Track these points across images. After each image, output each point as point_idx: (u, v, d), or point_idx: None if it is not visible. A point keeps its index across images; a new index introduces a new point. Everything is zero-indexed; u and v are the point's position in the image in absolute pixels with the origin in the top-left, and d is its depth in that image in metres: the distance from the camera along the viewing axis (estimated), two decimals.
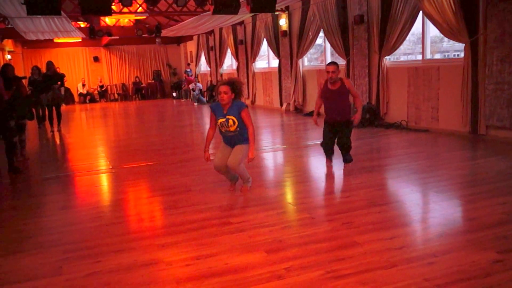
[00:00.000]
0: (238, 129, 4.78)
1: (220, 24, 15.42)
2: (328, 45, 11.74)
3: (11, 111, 6.74)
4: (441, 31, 7.98)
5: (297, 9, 12.33)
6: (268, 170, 6.49)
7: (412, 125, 8.98)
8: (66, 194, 5.75)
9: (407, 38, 9.12)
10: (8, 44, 18.39)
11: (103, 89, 23.05)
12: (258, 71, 15.89)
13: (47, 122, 11.86)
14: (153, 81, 23.81)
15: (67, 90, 21.54)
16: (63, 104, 19.29)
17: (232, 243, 3.59)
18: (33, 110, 9.55)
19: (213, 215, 4.34)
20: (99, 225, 4.27)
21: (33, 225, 4.38)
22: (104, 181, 6.39)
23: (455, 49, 9.17)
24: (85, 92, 22.59)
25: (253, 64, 15.83)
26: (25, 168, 7.10)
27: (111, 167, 7.04)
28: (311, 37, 11.85)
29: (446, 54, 9.90)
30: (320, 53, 13.64)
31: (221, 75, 19.17)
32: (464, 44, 7.55)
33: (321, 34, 11.58)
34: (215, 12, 9.55)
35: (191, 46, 22.72)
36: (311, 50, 12.85)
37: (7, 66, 7.69)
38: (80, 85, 22.52)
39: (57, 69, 19.24)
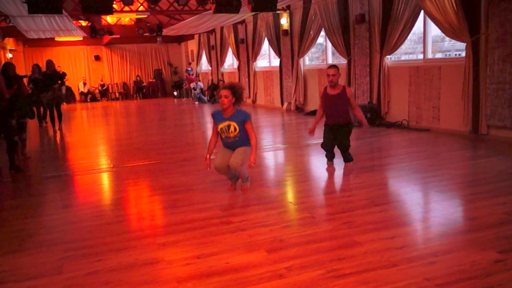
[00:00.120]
0: (238, 136, 4.82)
1: (221, 23, 15.41)
2: (329, 44, 11.73)
3: (12, 110, 6.75)
4: (442, 31, 7.97)
5: (298, 8, 12.32)
6: (269, 169, 6.49)
7: (413, 124, 8.98)
8: (67, 193, 5.76)
9: (409, 37, 9.12)
10: (10, 42, 18.40)
11: (104, 88, 23.07)
12: (259, 70, 15.89)
13: (48, 122, 11.86)
14: (154, 80, 23.82)
15: (68, 89, 21.61)
16: (64, 103, 19.38)
17: (233, 242, 3.59)
18: (34, 108, 9.55)
19: (213, 214, 4.34)
20: (99, 224, 4.27)
21: (33, 224, 4.39)
22: (105, 180, 6.40)
23: (456, 48, 9.16)
24: (86, 91, 22.60)
25: (254, 63, 15.82)
26: (26, 167, 7.11)
27: (111, 166, 7.04)
28: (312, 36, 11.85)
29: (448, 53, 9.90)
30: (321, 52, 13.64)
31: (222, 74, 19.18)
32: (465, 44, 7.54)
33: (322, 33, 11.57)
34: (216, 11, 9.55)
35: (192, 45, 22.72)
36: (312, 49, 12.85)
37: (9, 64, 7.70)
38: (81, 84, 22.53)
39: (59, 68, 19.33)
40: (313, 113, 11.55)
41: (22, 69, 18.54)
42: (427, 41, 8.77)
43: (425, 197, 4.82)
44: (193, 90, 19.68)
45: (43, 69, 11.91)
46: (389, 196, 4.90)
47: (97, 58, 23.14)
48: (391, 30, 9.02)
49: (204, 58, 21.46)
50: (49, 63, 11.48)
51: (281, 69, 13.85)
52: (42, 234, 4.09)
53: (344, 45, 10.48)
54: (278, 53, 13.75)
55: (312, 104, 12.34)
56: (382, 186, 5.21)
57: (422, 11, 8.33)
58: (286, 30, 13.08)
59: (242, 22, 15.59)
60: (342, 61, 11.03)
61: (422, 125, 8.76)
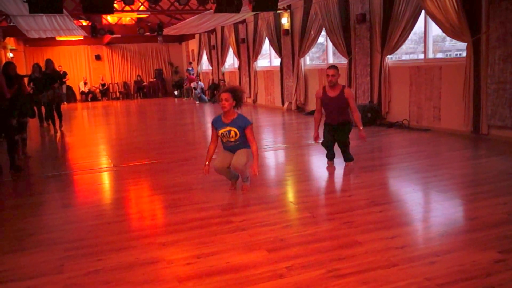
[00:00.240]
0: (239, 140, 4.85)
1: (222, 22, 15.41)
2: (330, 44, 11.73)
3: (13, 109, 6.75)
4: (443, 30, 7.97)
5: (299, 7, 12.32)
6: (269, 169, 6.49)
7: (414, 124, 8.97)
8: (67, 192, 5.76)
9: (409, 37, 9.11)
10: (10, 42, 18.41)
11: (105, 88, 23.07)
12: (259, 70, 15.88)
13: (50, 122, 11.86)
14: (154, 79, 23.83)
15: (69, 88, 21.63)
16: (65, 103, 19.40)
17: (233, 242, 3.59)
18: (35, 108, 9.55)
19: (214, 213, 4.34)
20: (100, 223, 4.27)
21: (34, 223, 4.39)
22: (105, 179, 6.40)
23: (457, 48, 9.15)
24: (87, 90, 22.61)
25: (255, 62, 15.82)
26: (26, 166, 7.11)
27: (112, 165, 7.04)
28: (313, 36, 11.84)
29: (448, 53, 9.89)
30: (322, 52, 13.63)
31: (223, 74, 19.18)
32: (466, 44, 7.53)
33: (323, 33, 11.57)
34: (217, 10, 9.55)
35: (193, 44, 22.72)
36: (313, 49, 12.84)
37: (9, 64, 7.70)
38: (82, 84, 22.54)
39: (59, 68, 19.34)
40: (313, 112, 11.53)
41: (23, 69, 18.55)
42: (428, 41, 8.77)
43: (426, 197, 4.82)
44: (193, 90, 19.68)
45: (44, 68, 11.91)
46: (390, 196, 4.90)
47: (98, 57, 23.15)
48: (392, 30, 9.01)
49: (204, 58, 21.46)
50: (48, 62, 11.47)
51: (281, 69, 13.84)
52: (42, 233, 4.09)
53: (344, 44, 10.48)
54: (279, 52, 13.75)
55: (313, 104, 12.30)
56: (383, 186, 5.21)
57: (423, 11, 8.32)
58: (287, 30, 13.08)
59: (243, 21, 15.59)
60: (342, 60, 11.02)
61: (423, 125, 8.76)
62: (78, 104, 21.42)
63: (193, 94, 19.76)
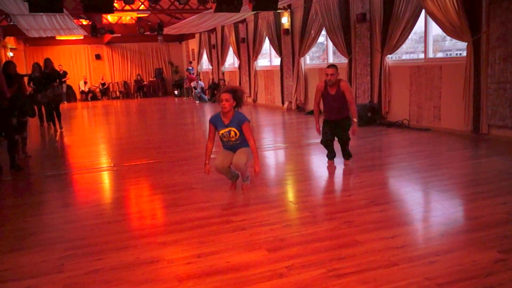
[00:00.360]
0: (239, 139, 4.86)
1: (222, 22, 15.40)
2: (330, 44, 11.72)
3: (13, 109, 6.75)
4: (443, 30, 7.96)
5: (299, 7, 12.31)
6: (269, 168, 6.48)
7: (414, 124, 8.97)
8: (68, 191, 5.76)
9: (410, 36, 9.10)
10: (10, 41, 18.40)
11: (105, 87, 23.07)
12: (260, 69, 15.88)
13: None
14: (155, 79, 23.82)
15: (69, 87, 21.63)
16: (65, 102, 19.40)
17: (234, 242, 3.59)
18: (35, 107, 9.56)
19: (214, 213, 4.35)
20: (100, 222, 4.27)
21: (34, 223, 4.39)
22: (106, 178, 6.40)
23: (458, 48, 9.14)
24: (87, 89, 22.61)
25: (255, 62, 15.81)
26: (26, 165, 7.11)
27: (112, 164, 7.04)
28: (313, 35, 11.83)
29: (449, 53, 9.88)
30: (322, 52, 13.63)
31: (223, 73, 19.18)
32: (466, 43, 7.53)
33: (323, 32, 11.56)
34: (217, 10, 9.54)
35: (193, 44, 22.71)
36: (313, 49, 12.83)
37: (9, 63, 7.71)
38: (82, 83, 22.53)
39: (60, 67, 19.34)
40: (313, 112, 11.52)
41: (23, 68, 18.55)
42: (428, 40, 8.76)
43: (426, 197, 4.82)
44: (193, 89, 19.67)
45: (43, 68, 11.90)
46: (390, 195, 4.90)
47: (98, 57, 23.14)
48: (392, 30, 9.01)
49: (205, 57, 21.46)
50: (47, 61, 11.44)
51: (282, 68, 13.84)
52: (42, 232, 4.09)
53: (345, 44, 10.47)
54: (279, 52, 13.74)
55: (313, 104, 12.31)
56: (383, 186, 5.21)
57: (423, 11, 8.32)
58: (287, 29, 13.07)
59: (243, 21, 15.58)
60: (343, 60, 11.01)
61: (423, 125, 8.76)
62: (78, 104, 21.42)
63: (193, 93, 19.75)
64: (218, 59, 19.33)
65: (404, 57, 10.31)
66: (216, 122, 4.93)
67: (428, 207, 4.50)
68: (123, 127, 13.05)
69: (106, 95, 23.14)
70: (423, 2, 8.00)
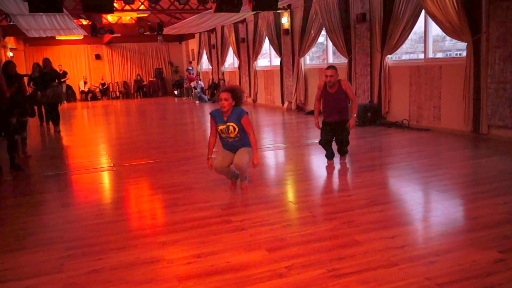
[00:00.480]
0: (238, 135, 4.84)
1: (222, 22, 15.40)
2: (330, 44, 11.72)
3: (13, 109, 6.75)
4: (443, 30, 7.96)
5: (299, 7, 12.31)
6: (269, 168, 6.48)
7: (414, 124, 8.97)
8: (67, 191, 5.76)
9: (409, 36, 9.10)
10: (10, 41, 18.41)
11: (104, 87, 23.06)
12: (259, 70, 15.88)
13: (50, 122, 11.79)
14: (154, 79, 23.81)
15: (69, 87, 21.62)
16: (65, 102, 19.40)
17: (233, 242, 3.59)
18: (35, 107, 9.55)
19: (214, 213, 4.34)
20: (100, 222, 4.27)
21: (34, 223, 4.39)
22: (106, 178, 6.40)
23: (457, 48, 9.15)
24: (86, 89, 22.60)
25: (255, 62, 15.81)
26: (26, 165, 7.10)
27: (112, 164, 7.04)
28: (313, 35, 11.84)
29: (448, 53, 9.88)
30: (322, 52, 13.63)
31: (223, 73, 19.18)
32: (466, 43, 7.53)
33: (323, 32, 11.56)
34: (217, 10, 9.54)
35: (193, 44, 22.72)
36: (313, 49, 12.83)
37: (9, 63, 7.70)
38: (81, 83, 22.53)
39: (59, 67, 19.34)
40: (313, 112, 11.52)
41: (23, 68, 18.55)
42: (428, 40, 8.76)
43: (426, 197, 4.82)
44: (193, 89, 19.67)
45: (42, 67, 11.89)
46: (390, 195, 4.90)
47: (98, 57, 23.14)
48: (392, 30, 9.01)
49: (204, 57, 21.45)
50: (46, 61, 11.38)
51: (281, 68, 13.84)
52: (42, 232, 4.09)
53: (345, 44, 10.47)
54: (279, 52, 13.74)
55: (313, 104, 12.30)
56: (383, 186, 5.21)
57: (423, 11, 8.32)
58: (287, 29, 13.07)
59: (243, 21, 15.58)
60: (342, 60, 11.02)
61: (423, 125, 8.76)
62: (78, 104, 21.42)
63: (193, 93, 19.75)
64: (218, 59, 19.33)
65: (404, 57, 10.31)
66: (216, 116, 4.91)
67: (428, 207, 4.50)
68: (123, 127, 13.05)
69: (106, 95, 23.13)
70: (423, 2, 8.00)
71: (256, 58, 15.57)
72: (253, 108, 15.04)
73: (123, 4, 11.53)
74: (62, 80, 17.29)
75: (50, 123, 11.67)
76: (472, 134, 7.67)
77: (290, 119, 11.95)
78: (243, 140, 4.88)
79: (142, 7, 13.45)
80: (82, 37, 19.66)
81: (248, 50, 15.96)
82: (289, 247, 3.43)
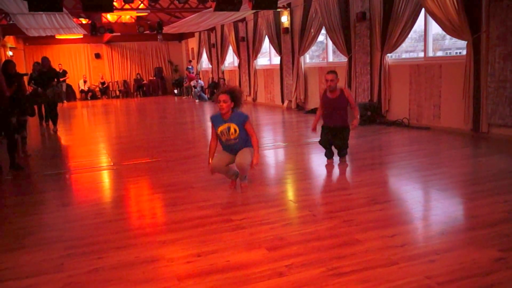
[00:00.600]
0: (239, 137, 4.84)
1: (222, 21, 15.40)
2: (330, 43, 11.71)
3: (13, 108, 6.74)
4: (443, 29, 7.96)
5: (299, 6, 12.30)
6: (269, 167, 6.48)
7: (414, 122, 8.97)
8: (67, 190, 5.77)
9: (409, 35, 9.10)
10: (10, 40, 18.38)
11: (104, 86, 23.05)
12: (259, 68, 15.87)
13: (49, 121, 11.75)
14: (154, 78, 23.80)
15: (69, 87, 21.61)
16: (65, 101, 19.37)
17: (233, 240, 3.59)
18: (35, 106, 9.54)
19: (214, 212, 4.34)
20: (100, 221, 4.27)
21: (34, 222, 4.39)
22: (105, 178, 6.40)
23: (457, 46, 9.14)
24: (86, 88, 22.59)
25: (255, 61, 15.80)
26: (26, 165, 7.10)
27: (112, 164, 7.04)
28: (313, 34, 11.83)
29: (448, 51, 9.88)
30: (322, 51, 13.62)
31: (223, 72, 19.17)
32: (466, 42, 7.53)
33: (323, 31, 11.55)
34: (217, 9, 9.54)
35: (192, 43, 22.70)
36: (313, 48, 12.82)
37: (9, 62, 7.69)
38: (81, 82, 22.52)
39: (59, 66, 19.33)
40: (313, 111, 11.54)
41: (23, 67, 18.55)
42: (428, 39, 8.76)
43: (426, 195, 4.82)
44: (193, 88, 19.67)
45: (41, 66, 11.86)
46: (390, 194, 4.90)
47: (98, 56, 23.13)
48: (392, 28, 9.00)
49: (204, 56, 21.44)
50: (44, 60, 11.34)
51: (281, 67, 13.83)
52: (42, 231, 4.09)
53: (344, 43, 10.47)
54: (279, 51, 13.73)
55: (313, 102, 12.33)
56: (383, 184, 5.21)
57: (423, 9, 8.31)
58: (287, 28, 13.06)
59: (243, 20, 15.57)
60: (342, 59, 11.02)
61: (423, 123, 8.76)
62: (78, 103, 21.41)
63: (193, 92, 19.74)
64: (217, 58, 19.32)
65: (404, 56, 10.31)
66: (215, 120, 4.93)
67: (428, 205, 4.50)
68: (123, 126, 13.04)
69: (105, 94, 23.12)
70: (423, 0, 7.99)
71: (256, 57, 15.57)
72: (253, 107, 15.04)
73: (123, 3, 11.53)
74: (62, 79, 17.27)
75: (50, 122, 11.66)
76: (472, 133, 7.66)
77: (290, 118, 11.95)
78: (244, 142, 4.89)
79: (141, 6, 13.45)
80: (81, 36, 19.66)
81: (248, 49, 15.95)
82: (289, 246, 3.43)
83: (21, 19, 12.79)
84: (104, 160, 7.49)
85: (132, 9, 13.24)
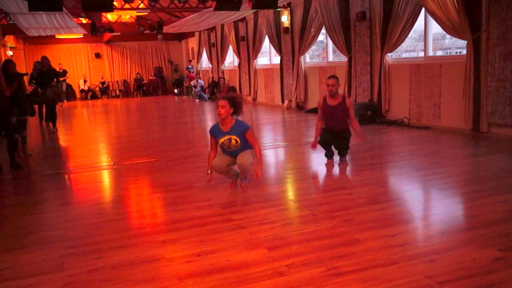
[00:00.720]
0: (240, 146, 4.88)
1: (222, 20, 15.39)
2: (330, 42, 11.71)
3: (13, 108, 6.74)
4: (443, 28, 7.95)
5: (299, 5, 12.30)
6: (269, 167, 6.48)
7: (414, 122, 8.97)
8: (68, 190, 5.77)
9: (409, 35, 9.10)
10: (10, 40, 18.38)
11: (104, 86, 23.04)
12: (259, 68, 15.87)
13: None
14: (154, 77, 23.80)
15: (69, 86, 21.61)
16: (65, 100, 19.38)
17: (234, 240, 3.59)
18: (35, 106, 9.54)
19: (214, 212, 4.34)
20: (100, 221, 4.27)
21: (34, 221, 4.39)
22: (106, 177, 6.40)
23: (457, 46, 9.14)
24: (86, 88, 22.58)
25: (255, 60, 15.80)
26: (26, 164, 7.10)
27: (112, 163, 7.04)
28: (313, 34, 11.83)
29: (448, 51, 9.88)
30: (322, 50, 13.62)
31: (223, 72, 19.17)
32: (466, 41, 7.52)
33: (323, 31, 11.55)
34: (217, 8, 9.54)
35: (192, 42, 22.70)
36: (313, 47, 12.83)
37: (9, 62, 7.69)
38: (81, 82, 22.52)
39: (59, 66, 19.33)
40: (313, 110, 11.54)
41: (23, 67, 18.55)
42: (428, 38, 8.76)
43: (426, 195, 4.82)
44: (193, 88, 19.66)
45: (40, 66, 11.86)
46: (390, 193, 4.90)
47: (98, 55, 23.12)
48: (392, 28, 9.00)
49: (204, 56, 21.44)
50: (44, 59, 11.33)
51: (281, 67, 13.83)
52: (42, 231, 4.09)
53: (344, 42, 10.47)
54: (279, 50, 13.73)
55: (313, 102, 12.32)
56: (383, 184, 5.21)
57: (423, 9, 8.31)
58: (287, 28, 13.06)
59: (243, 19, 15.57)
60: (342, 58, 11.01)
61: (423, 123, 8.76)
62: (78, 102, 21.41)
63: (193, 92, 19.74)
64: (217, 58, 19.32)
65: (404, 55, 10.31)
66: (215, 133, 4.94)
67: (428, 205, 4.50)
68: (123, 125, 13.04)
69: (105, 94, 23.12)
70: (423, 0, 7.99)
71: (256, 56, 15.57)
72: (253, 107, 15.04)
73: (123, 3, 11.53)
74: (62, 79, 17.27)
75: (50, 123, 11.65)
76: (472, 132, 7.66)
77: (290, 118, 11.95)
78: (244, 146, 4.91)
79: (141, 5, 13.45)
80: (81, 36, 19.65)
81: (248, 49, 15.95)
82: (289, 246, 3.43)
83: (21, 19, 12.79)
84: (104, 159, 7.49)
85: (132, 8, 13.23)
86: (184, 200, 4.79)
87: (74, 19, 14.43)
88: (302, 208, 4.40)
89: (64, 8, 9.38)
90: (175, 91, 22.83)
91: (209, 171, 4.99)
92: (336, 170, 5.91)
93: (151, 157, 7.29)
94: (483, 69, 7.39)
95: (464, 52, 7.68)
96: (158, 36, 19.12)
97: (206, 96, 19.09)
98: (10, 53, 17.87)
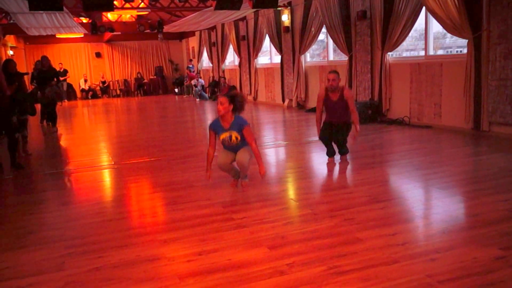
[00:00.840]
0: (241, 142, 4.86)
1: (222, 19, 15.39)
2: (330, 41, 11.71)
3: (13, 107, 6.75)
4: (444, 27, 7.95)
5: (299, 4, 12.29)
6: (270, 166, 6.48)
7: (415, 121, 8.96)
8: (68, 190, 5.77)
9: (410, 34, 9.09)
10: (10, 39, 18.39)
11: (105, 85, 23.05)
12: (260, 67, 15.87)
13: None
14: (155, 77, 23.80)
15: (69, 86, 21.62)
16: (65, 100, 19.39)
17: (235, 239, 3.59)
18: (37, 106, 9.54)
19: (215, 211, 4.34)
20: (101, 220, 4.27)
21: (35, 221, 4.39)
22: (106, 177, 6.40)
23: (458, 45, 9.13)
24: (87, 88, 22.59)
25: (255, 60, 15.80)
26: (27, 164, 7.10)
27: (113, 163, 7.04)
28: (313, 33, 11.82)
29: (449, 50, 9.87)
30: (323, 49, 13.62)
31: (223, 71, 19.17)
32: (467, 40, 7.52)
33: (324, 30, 11.55)
34: (217, 7, 9.54)
35: (193, 42, 22.70)
36: (314, 46, 12.82)
37: (9, 61, 7.70)
38: (82, 81, 22.52)
39: (60, 65, 19.33)
40: (314, 110, 11.51)
41: (23, 66, 18.55)
42: (428, 37, 8.75)
43: (427, 194, 4.81)
44: (194, 87, 19.67)
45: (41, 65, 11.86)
46: (391, 192, 4.90)
47: (98, 55, 23.13)
48: (392, 27, 8.99)
49: (205, 55, 21.44)
50: (44, 59, 11.32)
51: (282, 66, 13.83)
52: (43, 231, 4.09)
53: (345, 41, 10.46)
54: (279, 50, 13.73)
55: (313, 101, 12.30)
56: (384, 183, 5.20)
57: (423, 8, 8.30)
58: (287, 27, 13.06)
59: (243, 19, 15.57)
60: (343, 57, 11.01)
61: (424, 122, 8.75)
62: (79, 102, 21.41)
63: (193, 91, 19.75)
64: (218, 57, 19.32)
65: (404, 54, 10.30)
66: (216, 128, 4.93)
67: (429, 204, 4.50)
68: (124, 125, 13.04)
69: (106, 93, 23.13)
70: None
71: (256, 55, 15.56)
72: (253, 106, 15.04)
73: (123, 2, 11.53)
74: (62, 78, 17.27)
75: (50, 123, 11.64)
76: (473, 131, 7.66)
77: (291, 117, 11.94)
78: (245, 143, 4.89)
79: (142, 5, 13.44)
80: (82, 35, 19.64)
81: (249, 48, 15.95)
82: (290, 245, 3.43)
83: (21, 18, 12.79)
84: (105, 159, 7.49)
85: (132, 8, 13.23)
86: (184, 199, 4.79)
87: (75, 19, 14.42)
88: (302, 207, 4.40)
89: (64, 8, 9.37)
90: (176, 90, 22.84)
91: (208, 168, 4.96)
92: (336, 169, 5.91)
93: (152, 156, 7.29)
94: (483, 68, 7.38)
95: (465, 51, 7.67)
96: (159, 36, 19.11)
97: (206, 95, 19.09)
98: (11, 52, 17.87)
